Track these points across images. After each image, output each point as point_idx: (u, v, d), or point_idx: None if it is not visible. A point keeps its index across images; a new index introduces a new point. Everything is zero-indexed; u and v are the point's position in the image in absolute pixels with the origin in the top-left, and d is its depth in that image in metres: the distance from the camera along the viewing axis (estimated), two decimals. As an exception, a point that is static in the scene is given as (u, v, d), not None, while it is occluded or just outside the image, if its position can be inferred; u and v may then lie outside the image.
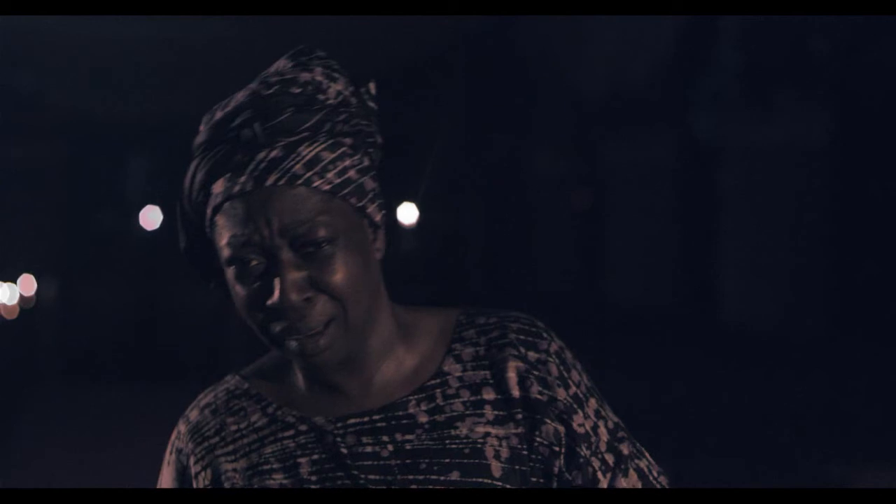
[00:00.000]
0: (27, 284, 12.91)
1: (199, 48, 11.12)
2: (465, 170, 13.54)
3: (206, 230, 1.37)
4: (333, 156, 1.33)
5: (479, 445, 1.37)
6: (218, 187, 1.33)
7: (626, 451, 1.42)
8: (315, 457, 1.38)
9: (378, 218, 1.37)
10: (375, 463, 1.37)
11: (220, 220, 1.33)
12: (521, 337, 1.42)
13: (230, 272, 1.34)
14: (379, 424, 1.38)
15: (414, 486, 1.35)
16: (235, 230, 1.32)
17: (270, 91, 1.34)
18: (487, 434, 1.38)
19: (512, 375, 1.40)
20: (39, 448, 8.10)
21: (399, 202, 13.09)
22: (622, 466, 1.41)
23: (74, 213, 14.47)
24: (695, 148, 12.42)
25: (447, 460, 1.36)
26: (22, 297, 12.70)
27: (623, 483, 1.41)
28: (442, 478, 1.36)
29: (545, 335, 1.43)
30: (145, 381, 11.08)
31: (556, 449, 1.39)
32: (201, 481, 1.42)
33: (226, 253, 1.33)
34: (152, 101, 13.11)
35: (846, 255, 11.12)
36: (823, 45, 10.88)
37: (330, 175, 1.32)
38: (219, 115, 1.36)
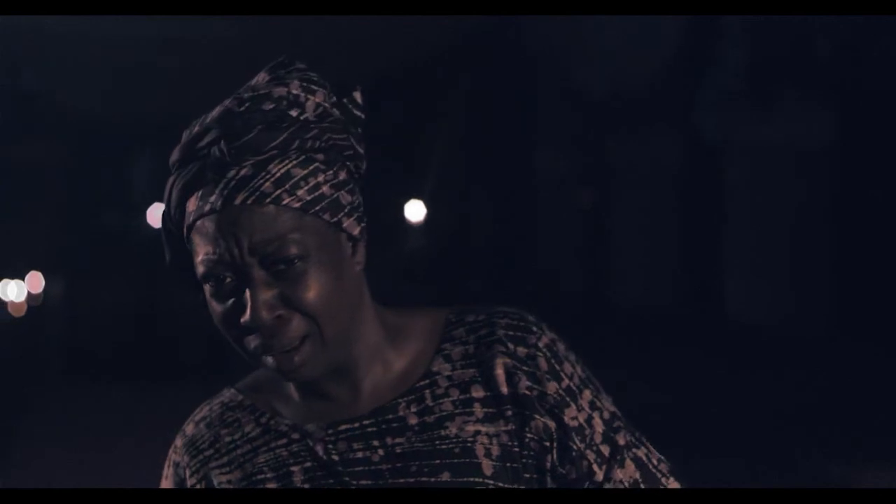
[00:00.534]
0: (35, 282, 12.91)
1: (203, 45, 11.12)
2: (470, 168, 13.54)
3: (186, 245, 1.37)
4: (305, 172, 1.32)
5: (469, 444, 1.37)
6: (191, 205, 1.33)
7: (622, 442, 1.41)
8: (308, 464, 1.39)
9: (356, 231, 1.36)
10: (366, 468, 1.37)
11: (195, 237, 1.33)
12: (510, 332, 1.41)
13: (206, 288, 1.35)
14: (370, 429, 1.39)
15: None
16: (208, 248, 1.32)
17: (242, 108, 1.33)
18: (477, 432, 1.38)
19: (500, 372, 1.39)
20: (42, 447, 8.10)
21: (406, 200, 13.10)
22: (618, 457, 1.40)
23: (82, 210, 14.48)
24: (698, 147, 12.41)
25: (437, 461, 1.36)
26: (30, 295, 12.70)
27: (619, 474, 1.40)
28: (433, 479, 1.36)
29: (534, 329, 1.42)
30: (152, 379, 11.09)
31: (547, 444, 1.39)
32: None
33: (200, 270, 1.33)
34: (159, 98, 13.11)
35: (848, 254, 11.12)
36: (826, 44, 10.88)
37: (301, 192, 1.32)
38: (194, 130, 1.36)
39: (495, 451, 1.38)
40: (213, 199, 1.31)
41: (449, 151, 13.10)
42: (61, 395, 10.68)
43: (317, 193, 1.33)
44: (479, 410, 1.39)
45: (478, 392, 1.40)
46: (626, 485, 1.41)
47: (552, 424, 1.39)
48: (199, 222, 1.32)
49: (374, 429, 1.39)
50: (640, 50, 11.69)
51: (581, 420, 1.40)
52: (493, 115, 13.46)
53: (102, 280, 13.71)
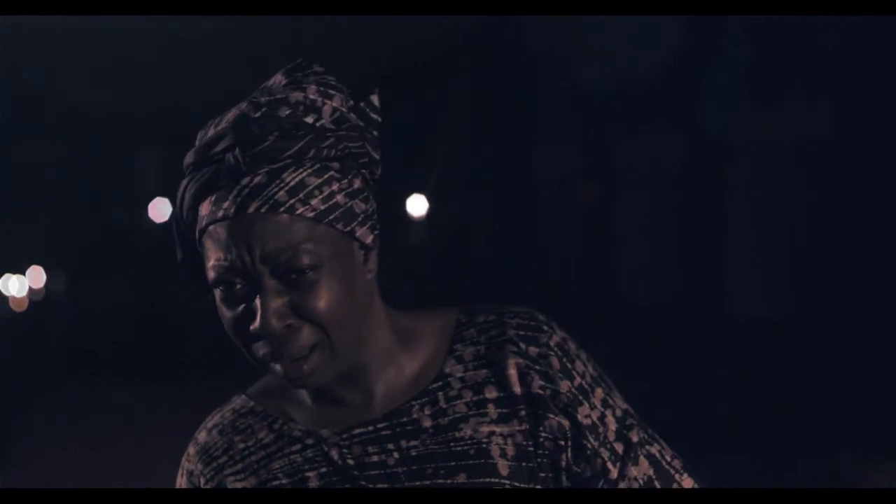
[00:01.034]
0: (36, 277, 12.93)
1: (204, 43, 11.12)
2: (473, 165, 13.54)
3: (198, 248, 1.36)
4: (319, 181, 1.31)
5: (484, 445, 1.37)
6: (204, 209, 1.32)
7: (635, 439, 1.42)
8: (323, 470, 1.38)
9: (369, 240, 1.35)
10: (382, 472, 1.37)
11: (207, 241, 1.32)
12: (521, 332, 1.41)
13: (216, 293, 1.34)
14: (384, 433, 1.38)
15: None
16: (219, 254, 1.30)
17: (258, 114, 1.31)
18: (492, 433, 1.38)
19: (512, 372, 1.40)
20: (43, 444, 8.10)
21: (408, 195, 13.10)
22: (632, 454, 1.41)
23: (83, 206, 14.49)
24: (701, 143, 12.40)
25: (453, 463, 1.36)
26: (31, 290, 12.71)
27: (634, 471, 1.40)
28: (449, 481, 1.35)
29: (545, 328, 1.42)
30: (153, 376, 11.09)
31: (562, 443, 1.39)
32: None
33: (211, 275, 1.32)
34: (162, 94, 13.12)
35: (853, 250, 11.11)
36: (830, 39, 10.86)
37: (315, 201, 1.30)
38: (209, 134, 1.34)
39: (510, 451, 1.38)
40: (226, 205, 1.29)
41: (449, 151, 13.10)
42: (62, 390, 10.68)
43: (331, 203, 1.32)
44: (492, 411, 1.39)
45: (491, 393, 1.40)
46: (641, 482, 1.41)
47: (566, 423, 1.39)
48: (211, 227, 1.31)
49: (389, 432, 1.38)
50: (645, 46, 11.68)
51: (594, 418, 1.40)
52: (494, 114, 13.46)
53: (104, 275, 13.72)
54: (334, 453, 1.38)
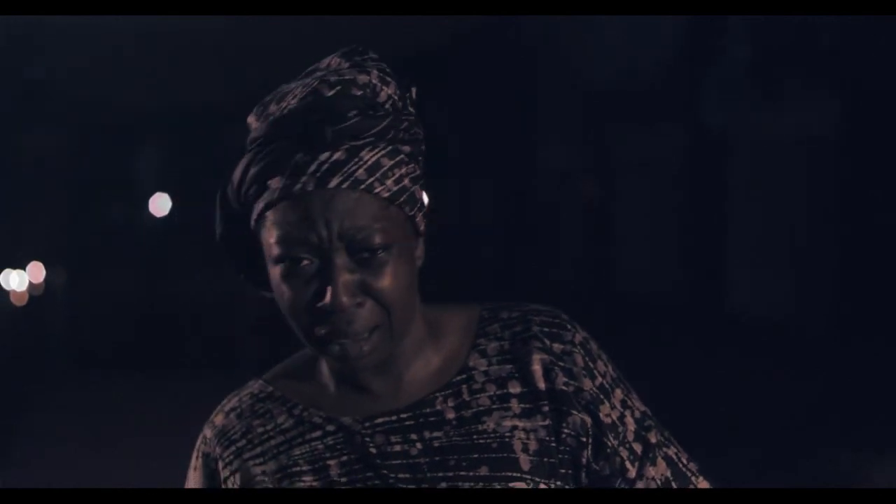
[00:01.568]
0: (36, 272, 12.93)
1: (204, 38, 11.11)
2: (472, 164, 13.54)
3: (252, 224, 1.36)
4: (392, 163, 1.33)
5: (506, 439, 1.38)
6: (275, 184, 1.31)
7: (653, 440, 1.43)
8: (344, 458, 1.38)
9: (423, 228, 1.39)
10: (405, 462, 1.37)
11: (274, 216, 1.32)
12: (546, 329, 1.42)
13: (277, 270, 1.33)
14: (407, 423, 1.39)
15: (443, 484, 1.36)
16: (290, 229, 1.31)
17: (333, 92, 1.32)
18: (515, 427, 1.38)
19: (537, 368, 1.41)
20: (43, 441, 8.09)
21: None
22: (650, 455, 1.42)
23: (83, 200, 14.48)
24: (702, 138, 12.40)
25: (475, 455, 1.37)
26: (31, 284, 12.72)
27: (652, 472, 1.42)
28: (471, 473, 1.36)
29: (569, 326, 1.43)
30: (153, 372, 11.09)
31: (584, 440, 1.40)
32: (230, 486, 1.41)
33: (276, 251, 1.32)
34: (161, 88, 13.11)
35: (854, 249, 11.10)
36: (831, 37, 10.86)
37: (389, 182, 1.32)
38: (276, 110, 1.34)
39: (532, 446, 1.39)
40: (304, 179, 1.30)
41: (448, 150, 13.10)
42: (62, 386, 10.68)
43: (401, 185, 1.34)
44: (515, 406, 1.40)
45: (514, 387, 1.40)
46: (659, 482, 1.42)
47: (588, 420, 1.40)
48: (284, 202, 1.31)
49: (412, 422, 1.39)
50: (647, 41, 11.68)
51: (614, 418, 1.41)
52: (494, 112, 13.46)
53: (104, 270, 13.71)
54: (357, 441, 1.38)
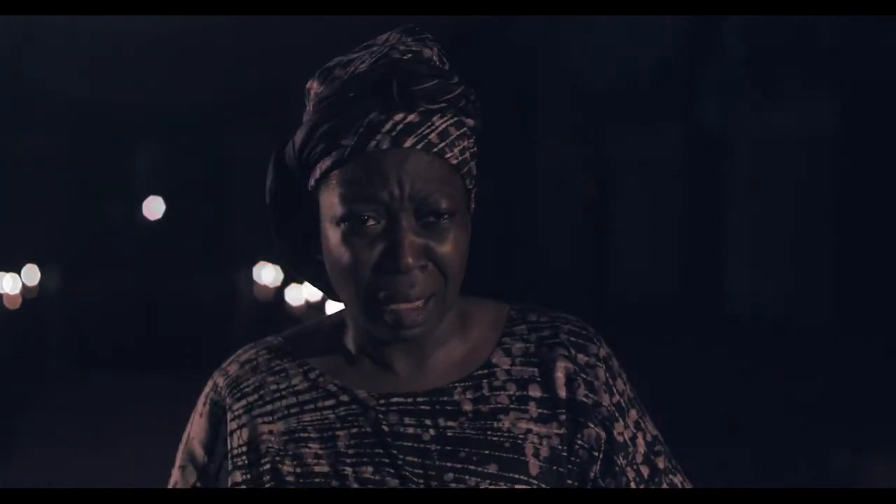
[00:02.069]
0: (30, 274, 12.92)
1: (199, 39, 11.11)
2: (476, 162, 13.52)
3: (310, 185, 1.35)
4: (458, 133, 1.33)
5: (519, 441, 1.37)
6: (347, 141, 1.31)
7: (661, 465, 1.42)
8: (354, 430, 1.37)
9: (473, 206, 1.39)
10: (415, 445, 1.36)
11: (342, 174, 1.31)
12: (572, 339, 1.42)
13: (338, 230, 1.32)
14: (423, 407, 1.37)
15: (451, 474, 1.35)
16: (358, 187, 1.30)
17: (407, 57, 1.33)
18: (529, 431, 1.38)
19: (560, 375, 1.40)
20: (42, 442, 8.08)
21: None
22: (656, 479, 1.42)
23: (77, 203, 14.48)
24: (701, 138, 12.41)
25: (486, 451, 1.36)
26: (25, 287, 12.71)
27: None
28: (480, 469, 1.35)
29: (595, 340, 1.43)
30: (148, 373, 11.08)
31: (595, 454, 1.39)
32: (236, 440, 1.39)
33: (341, 209, 1.31)
34: (156, 91, 13.10)
35: (853, 245, 11.11)
36: (829, 36, 10.86)
37: (456, 150, 1.33)
38: (344, 73, 1.34)
39: (544, 452, 1.38)
40: (378, 137, 1.30)
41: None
42: (57, 388, 10.67)
43: (465, 156, 1.34)
44: (533, 409, 1.39)
45: (535, 391, 1.40)
46: None
47: (603, 435, 1.40)
48: (355, 160, 1.30)
49: (428, 408, 1.37)
50: (646, 41, 11.68)
51: (626, 437, 1.41)
52: (494, 112, 13.44)
53: (98, 273, 13.72)
54: (371, 416, 1.36)
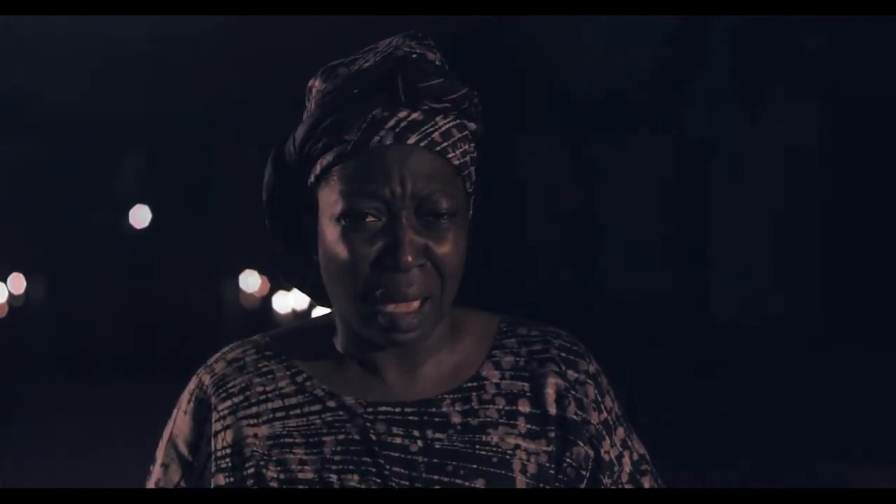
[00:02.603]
0: (17, 283, 12.90)
1: (186, 48, 11.09)
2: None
3: (310, 181, 1.33)
4: (460, 135, 1.32)
5: (507, 457, 1.35)
6: (349, 136, 1.29)
7: (646, 485, 1.41)
8: (341, 437, 1.34)
9: (471, 211, 1.37)
10: (403, 456, 1.34)
11: (343, 170, 1.30)
12: (563, 354, 1.40)
13: (337, 227, 1.30)
14: (411, 418, 1.35)
15: (437, 487, 1.33)
16: (359, 183, 1.29)
17: (415, 56, 1.32)
18: (517, 447, 1.36)
19: (550, 392, 1.38)
20: (28, 448, 8.07)
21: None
22: None
23: (64, 212, 14.46)
24: (686, 146, 12.43)
25: (474, 466, 1.34)
26: (11, 296, 12.68)
27: None
28: (467, 483, 1.33)
29: (586, 356, 1.41)
30: (135, 379, 11.07)
31: (583, 472, 1.37)
32: (220, 442, 1.36)
33: (341, 205, 1.29)
34: (142, 100, 13.09)
35: (837, 251, 11.13)
36: (815, 42, 10.89)
37: (458, 152, 1.31)
38: (347, 71, 1.33)
39: (531, 468, 1.36)
40: (382, 133, 1.28)
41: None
42: (43, 395, 10.65)
43: (466, 159, 1.33)
44: (522, 425, 1.37)
45: (524, 406, 1.38)
46: None
47: (591, 454, 1.38)
48: (357, 156, 1.29)
49: (416, 419, 1.35)
50: (631, 49, 11.70)
51: (612, 456, 1.39)
52: (484, 115, 13.45)
53: (85, 281, 13.70)
54: (359, 423, 1.34)
